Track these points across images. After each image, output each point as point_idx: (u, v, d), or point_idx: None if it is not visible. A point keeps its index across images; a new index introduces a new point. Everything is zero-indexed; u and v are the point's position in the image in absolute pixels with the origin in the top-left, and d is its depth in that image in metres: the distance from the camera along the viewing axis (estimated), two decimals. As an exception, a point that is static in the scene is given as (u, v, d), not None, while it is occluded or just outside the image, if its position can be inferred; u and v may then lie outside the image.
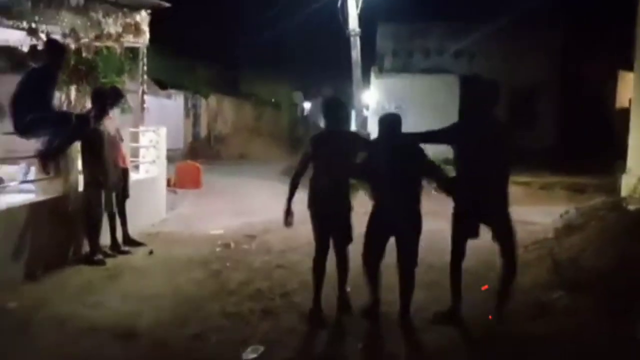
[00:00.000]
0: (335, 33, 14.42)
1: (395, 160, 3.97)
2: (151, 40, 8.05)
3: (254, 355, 3.51)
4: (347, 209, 4.21)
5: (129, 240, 6.29)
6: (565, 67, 16.20)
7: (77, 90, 10.12)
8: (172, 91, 19.71)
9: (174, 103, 19.51)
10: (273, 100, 27.87)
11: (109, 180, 5.76)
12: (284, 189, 4.30)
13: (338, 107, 4.39)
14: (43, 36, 6.25)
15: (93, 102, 5.93)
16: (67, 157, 5.60)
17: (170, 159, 13.58)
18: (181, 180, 11.62)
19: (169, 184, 11.34)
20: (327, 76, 26.52)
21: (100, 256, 5.69)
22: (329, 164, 4.12)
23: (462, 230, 4.10)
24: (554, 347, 3.74)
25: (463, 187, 4.05)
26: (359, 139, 4.64)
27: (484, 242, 4.17)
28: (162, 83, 19.11)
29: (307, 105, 37.16)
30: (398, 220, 4.02)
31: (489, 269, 4.94)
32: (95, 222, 5.71)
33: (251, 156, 21.09)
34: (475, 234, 4.11)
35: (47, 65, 5.37)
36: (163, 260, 5.87)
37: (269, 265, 5.85)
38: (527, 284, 5.05)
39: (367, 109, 16.39)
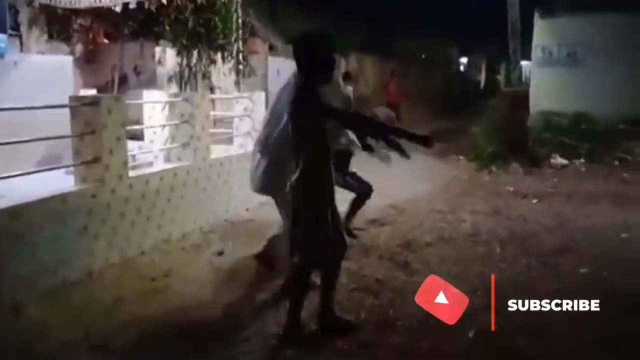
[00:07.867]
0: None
1: None
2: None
3: None
4: None
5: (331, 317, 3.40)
6: None
7: (198, 54, 9.29)
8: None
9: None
10: (423, 56, 25.32)
11: None
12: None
13: None
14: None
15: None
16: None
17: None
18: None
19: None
20: (489, 26, 23.41)
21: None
22: None
23: None
24: None
25: None
26: None
27: None
28: (298, 44, 18.13)
29: (464, 60, 33.99)
30: None
31: None
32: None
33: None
34: None
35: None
36: (228, 266, 4.55)
37: (367, 280, 4.19)
38: None
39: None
